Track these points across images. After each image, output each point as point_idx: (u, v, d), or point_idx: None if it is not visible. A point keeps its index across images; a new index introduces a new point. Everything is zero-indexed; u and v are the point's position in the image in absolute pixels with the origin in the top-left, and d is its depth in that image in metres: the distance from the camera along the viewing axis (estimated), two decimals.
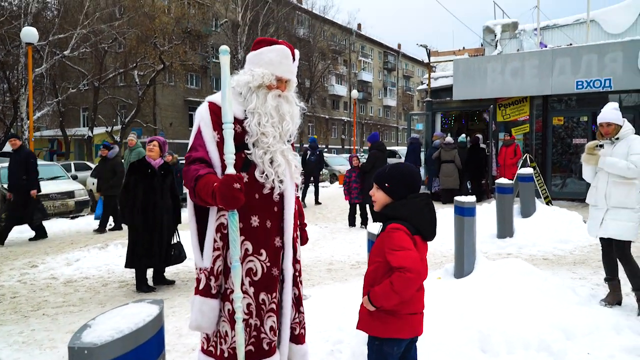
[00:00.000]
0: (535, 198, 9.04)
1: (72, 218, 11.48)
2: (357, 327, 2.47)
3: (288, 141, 2.60)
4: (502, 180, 7.81)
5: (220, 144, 2.38)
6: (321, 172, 15.67)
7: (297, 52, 2.63)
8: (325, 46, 48.37)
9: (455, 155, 12.67)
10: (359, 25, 60.96)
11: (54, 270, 6.78)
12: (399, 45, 70.87)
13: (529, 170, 8.88)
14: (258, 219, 2.44)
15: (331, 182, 21.61)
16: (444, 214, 8.70)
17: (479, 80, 13.98)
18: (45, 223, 10.36)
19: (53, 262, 7.18)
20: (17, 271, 6.76)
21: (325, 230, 9.77)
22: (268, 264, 2.45)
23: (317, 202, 14.13)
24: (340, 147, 54.95)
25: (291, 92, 2.64)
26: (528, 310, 3.89)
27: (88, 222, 10.76)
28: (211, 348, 2.51)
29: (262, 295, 2.44)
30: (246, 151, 2.44)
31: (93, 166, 16.93)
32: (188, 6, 34.93)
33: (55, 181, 12.29)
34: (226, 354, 2.41)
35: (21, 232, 9.57)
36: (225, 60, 2.27)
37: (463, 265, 5.18)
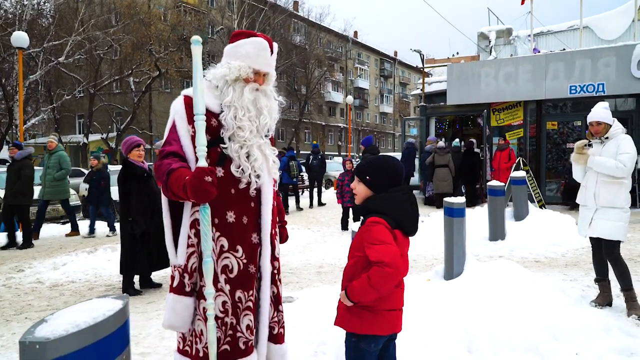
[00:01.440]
0: (529, 202, 9.00)
1: (63, 223, 11.38)
2: (335, 323, 2.40)
3: (266, 136, 2.54)
4: (494, 183, 7.77)
5: (194, 138, 2.33)
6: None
7: (275, 45, 2.57)
8: (322, 53, 48.50)
9: (449, 159, 12.64)
10: (355, 33, 61.23)
11: (40, 274, 6.69)
12: (395, 53, 71.15)
13: (521, 174, 8.84)
14: (234, 214, 2.38)
15: (326, 187, 21.57)
16: (437, 218, 8.66)
17: (472, 85, 13.99)
18: None
19: (40, 266, 7.09)
20: (2, 275, 6.67)
21: (317, 234, 9.70)
22: (244, 261, 2.39)
23: (320, 204, 14.94)
24: (337, 153, 54.98)
25: (270, 86, 2.58)
26: (516, 311, 3.83)
27: (80, 227, 10.64)
28: (187, 348, 2.44)
29: (239, 293, 2.37)
30: (222, 145, 2.38)
31: (87, 172, 16.84)
32: (184, 13, 35.00)
33: None
34: (201, 354, 2.35)
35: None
36: (197, 51, 2.21)
37: (453, 266, 5.12)
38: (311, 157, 14.72)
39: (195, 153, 2.27)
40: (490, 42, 20.19)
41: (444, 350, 3.28)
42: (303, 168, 14.98)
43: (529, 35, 18.17)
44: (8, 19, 23.08)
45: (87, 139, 31.31)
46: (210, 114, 2.35)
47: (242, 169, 2.37)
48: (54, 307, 5.29)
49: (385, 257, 2.16)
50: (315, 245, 8.42)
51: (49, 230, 10.35)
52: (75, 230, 10.16)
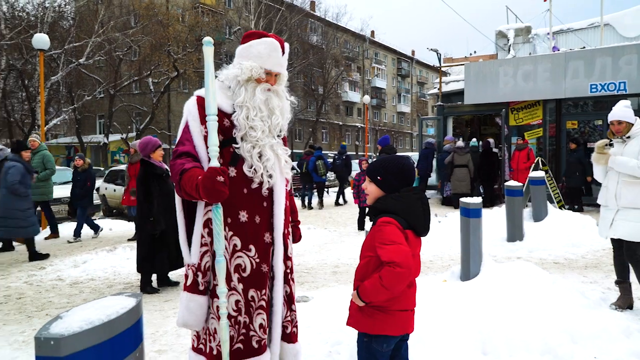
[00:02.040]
0: (548, 202, 8.87)
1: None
2: (347, 324, 2.40)
3: (278, 136, 2.55)
4: (512, 183, 7.67)
5: (207, 138, 2.35)
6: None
7: (287, 45, 2.58)
8: (339, 53, 48.45)
9: (469, 159, 12.52)
10: (372, 32, 61.04)
11: (61, 272, 6.80)
12: (413, 52, 70.75)
13: (540, 174, 8.72)
14: (246, 214, 2.39)
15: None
16: (454, 218, 8.59)
17: (490, 84, 13.84)
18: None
19: (61, 264, 7.21)
20: (24, 273, 6.80)
21: (334, 234, 9.69)
22: (257, 260, 2.40)
23: (343, 202, 15.39)
24: (354, 153, 54.87)
25: (281, 87, 2.59)
26: (533, 313, 3.78)
27: (100, 225, 10.79)
28: (201, 346, 2.46)
29: (252, 292, 2.38)
30: (234, 145, 2.39)
31: (107, 172, 17.08)
32: (202, 14, 35.26)
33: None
34: (215, 352, 2.37)
35: None
36: (208, 51, 2.23)
37: (469, 267, 5.07)
38: (337, 156, 15.59)
39: (208, 153, 2.29)
40: (508, 40, 19.96)
41: (459, 352, 3.25)
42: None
43: (548, 33, 17.93)
44: (30, 21, 23.50)
45: (108, 139, 31.75)
46: (222, 114, 2.37)
47: (254, 169, 2.38)
48: (74, 304, 5.38)
49: (397, 257, 2.15)
50: (331, 245, 8.42)
51: (70, 228, 10.50)
52: (54, 233, 9.82)
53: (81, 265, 6.99)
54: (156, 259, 5.75)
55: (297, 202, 15.93)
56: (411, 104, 69.88)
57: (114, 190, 14.10)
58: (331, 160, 16.19)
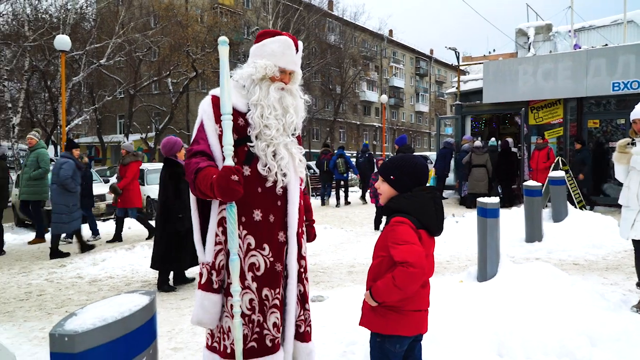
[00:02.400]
0: (568, 203, 8.74)
1: (104, 220, 11.72)
2: (360, 324, 2.39)
3: (293, 134, 2.54)
4: (530, 183, 7.57)
5: (222, 137, 2.36)
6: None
7: (300, 43, 2.58)
8: (356, 52, 48.36)
9: (487, 159, 12.39)
10: (391, 32, 60.76)
11: (81, 269, 6.91)
12: (431, 51, 70.28)
13: (560, 174, 8.59)
14: (261, 213, 2.40)
15: (360, 187, 21.53)
16: (472, 218, 8.51)
17: (510, 82, 13.68)
18: None
19: (80, 262, 7.32)
20: (45, 270, 6.92)
21: (350, 233, 9.68)
22: (271, 259, 2.40)
23: (364, 201, 15.68)
24: (372, 152, 54.76)
25: (295, 85, 2.59)
26: (551, 315, 3.72)
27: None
28: (215, 344, 2.47)
29: (265, 291, 2.39)
30: (249, 144, 2.40)
31: None
32: (220, 15, 35.50)
33: None
34: (229, 350, 2.37)
35: None
36: (224, 51, 2.24)
37: (486, 268, 5.02)
38: (359, 155, 16.34)
39: (223, 152, 2.30)
40: (528, 38, 19.71)
41: (474, 353, 3.22)
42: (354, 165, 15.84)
43: (570, 31, 17.66)
44: (53, 23, 23.91)
45: (127, 138, 32.13)
46: (237, 113, 2.38)
47: (268, 168, 2.38)
48: (93, 301, 5.41)
49: (410, 257, 2.13)
50: (347, 245, 8.40)
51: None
52: (40, 237, 9.33)
53: (100, 264, 7.09)
54: (175, 257, 5.79)
55: (317, 201, 16.02)
56: (429, 103, 69.42)
57: None
58: (354, 159, 16.83)
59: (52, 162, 9.60)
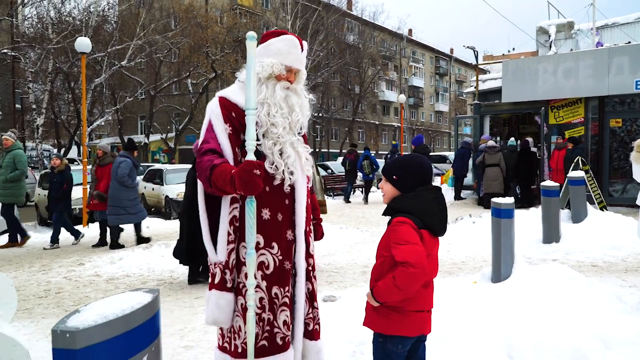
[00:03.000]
0: (589, 204, 8.59)
1: None
2: (363, 324, 2.40)
3: (299, 133, 2.56)
4: (548, 183, 7.46)
5: (231, 136, 2.40)
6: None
7: (305, 43, 2.60)
8: (375, 52, 48.20)
9: (500, 159, 12.24)
10: (410, 31, 60.45)
11: (99, 268, 7.03)
12: (452, 50, 69.70)
13: (579, 174, 8.45)
14: (269, 211, 2.41)
15: (378, 187, 21.52)
16: (489, 219, 8.41)
17: (529, 81, 13.49)
18: (96, 224, 10.82)
19: (99, 260, 7.45)
20: (64, 268, 7.06)
21: (365, 233, 9.67)
22: (280, 258, 2.42)
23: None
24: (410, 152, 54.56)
25: (300, 85, 2.61)
26: (564, 317, 3.66)
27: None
28: (226, 344, 2.48)
29: (275, 289, 2.40)
30: (256, 142, 2.42)
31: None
32: (239, 16, 35.74)
33: None
34: (239, 349, 2.38)
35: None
36: (251, 46, 2.22)
37: (500, 269, 4.96)
38: (389, 155, 17.17)
39: (235, 151, 2.35)
40: (549, 36, 19.40)
41: (483, 354, 3.19)
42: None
43: (592, 28, 17.34)
44: (76, 25, 24.39)
45: (148, 139, 32.61)
46: (243, 112, 2.40)
47: (275, 166, 2.40)
48: None
49: (411, 257, 2.12)
50: (362, 245, 8.39)
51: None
52: (13, 241, 8.97)
53: (117, 262, 7.20)
54: (203, 252, 5.87)
55: (335, 200, 16.13)
56: (449, 102, 68.88)
57: (152, 189, 14.47)
58: (381, 160, 17.74)
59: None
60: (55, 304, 5.41)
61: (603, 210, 9.44)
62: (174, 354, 3.81)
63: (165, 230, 10.41)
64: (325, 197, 10.42)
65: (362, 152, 15.98)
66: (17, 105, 28.08)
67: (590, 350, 3.33)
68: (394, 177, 2.35)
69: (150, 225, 11.05)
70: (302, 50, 2.55)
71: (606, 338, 3.49)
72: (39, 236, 9.96)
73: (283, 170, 2.41)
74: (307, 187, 2.58)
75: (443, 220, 2.31)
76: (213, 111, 2.47)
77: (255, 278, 2.36)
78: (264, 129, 2.41)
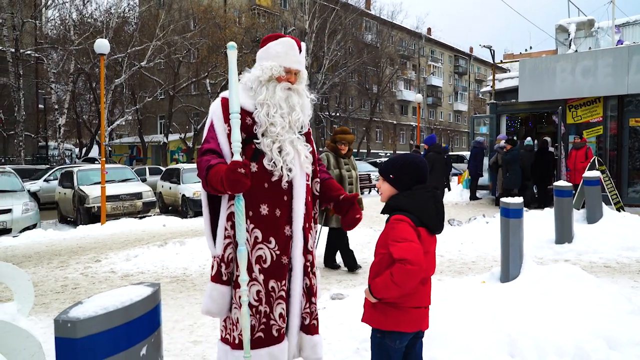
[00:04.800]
0: (605, 204, 8.48)
1: (140, 218, 12.11)
2: (362, 320, 2.44)
3: (300, 132, 2.62)
4: (561, 183, 7.40)
5: (230, 136, 2.47)
6: None
7: (303, 44, 2.69)
8: (393, 51, 48.03)
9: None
10: (429, 30, 60.10)
11: (114, 264, 7.18)
12: (471, 49, 69.01)
13: (595, 174, 8.35)
14: (267, 207, 2.49)
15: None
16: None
17: (547, 80, 13.34)
18: (114, 222, 11.06)
19: (115, 257, 7.62)
20: (81, 265, 7.24)
21: (377, 232, 9.66)
22: (277, 252, 2.49)
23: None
24: (409, 152, 54.24)
25: (302, 85, 2.68)
26: (569, 316, 3.66)
27: (155, 221, 11.31)
28: (227, 336, 2.58)
29: (272, 283, 2.48)
30: (255, 141, 2.50)
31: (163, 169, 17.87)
32: (257, 16, 35.95)
33: (126, 183, 13.07)
34: (237, 341, 2.48)
35: (91, 229, 10.29)
36: (232, 55, 2.36)
37: (509, 269, 4.96)
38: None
39: (231, 149, 2.40)
40: (569, 35, 19.14)
41: (485, 353, 3.21)
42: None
43: (612, 26, 17.07)
44: (97, 27, 24.83)
45: (167, 138, 33.02)
46: (245, 113, 2.49)
47: (274, 163, 2.47)
48: None
49: (408, 254, 2.17)
50: (374, 244, 8.39)
51: (127, 224, 11.05)
52: None
53: (132, 259, 7.35)
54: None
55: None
56: (468, 102, 68.26)
57: (170, 188, 14.68)
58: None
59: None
60: (71, 299, 5.56)
61: (620, 211, 9.31)
62: (183, 348, 3.91)
63: (181, 229, 10.56)
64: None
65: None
66: (40, 106, 28.70)
67: (593, 349, 3.32)
68: (391, 176, 2.40)
69: (167, 223, 11.24)
70: (300, 51, 2.62)
71: (611, 338, 3.48)
72: (58, 233, 10.20)
73: (282, 167, 2.48)
74: (307, 184, 2.64)
75: (440, 218, 2.36)
76: (214, 112, 2.57)
77: (253, 272, 2.45)
78: (263, 128, 2.49)
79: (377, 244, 2.46)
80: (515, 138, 13.51)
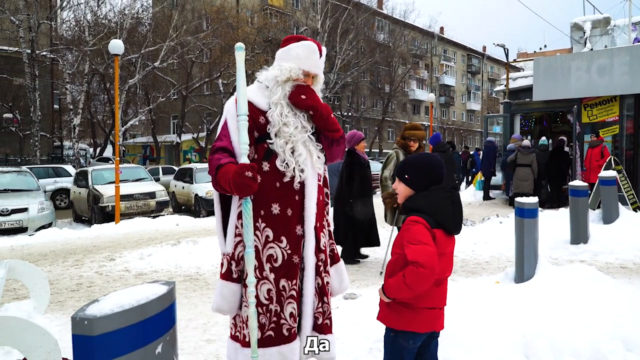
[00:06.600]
0: (621, 204, 8.37)
1: (154, 217, 12.20)
2: (377, 318, 2.44)
3: (312, 133, 2.62)
4: (576, 183, 7.32)
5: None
6: None
7: (324, 48, 2.69)
8: (406, 51, 47.85)
9: (532, 159, 11.99)
10: (442, 29, 59.76)
11: (129, 263, 7.24)
12: (484, 48, 68.54)
13: (611, 173, 8.25)
14: (279, 206, 2.49)
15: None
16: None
17: (561, 79, 13.20)
18: (128, 221, 11.16)
19: (129, 256, 7.67)
20: (96, 263, 7.30)
21: (388, 233, 9.62)
22: (289, 251, 2.49)
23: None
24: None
25: (317, 87, 2.68)
26: (584, 318, 3.62)
27: (168, 221, 11.38)
28: (237, 334, 2.58)
29: (283, 282, 2.48)
30: (268, 141, 2.50)
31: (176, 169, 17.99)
32: (270, 16, 36.03)
33: (139, 183, 13.17)
34: (247, 339, 2.47)
35: (105, 228, 10.39)
36: (240, 56, 2.37)
37: (523, 269, 4.92)
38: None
39: (257, 145, 2.44)
40: (584, 33, 18.93)
41: (500, 354, 3.18)
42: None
43: (632, 24, 16.84)
44: (111, 28, 25.07)
45: (180, 138, 33.20)
46: (259, 112, 2.50)
47: (286, 163, 2.47)
48: None
49: (421, 257, 2.15)
50: (386, 243, 8.36)
51: (141, 223, 11.13)
52: None
53: (146, 258, 7.41)
54: (351, 236, 6.75)
55: None
56: (481, 101, 67.78)
57: (182, 188, 14.77)
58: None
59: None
60: (86, 298, 5.61)
61: (636, 211, 9.19)
62: (196, 347, 3.93)
63: (194, 228, 10.62)
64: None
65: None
66: (55, 106, 29.02)
67: (610, 351, 3.28)
68: (406, 176, 2.39)
69: (180, 222, 11.31)
70: (321, 56, 2.62)
71: (628, 339, 3.43)
72: (73, 232, 10.31)
73: (294, 168, 2.48)
74: (319, 184, 2.64)
75: (457, 219, 2.33)
76: (229, 110, 2.57)
77: (264, 271, 2.45)
78: (276, 128, 2.49)
79: (394, 243, 2.45)
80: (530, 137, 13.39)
